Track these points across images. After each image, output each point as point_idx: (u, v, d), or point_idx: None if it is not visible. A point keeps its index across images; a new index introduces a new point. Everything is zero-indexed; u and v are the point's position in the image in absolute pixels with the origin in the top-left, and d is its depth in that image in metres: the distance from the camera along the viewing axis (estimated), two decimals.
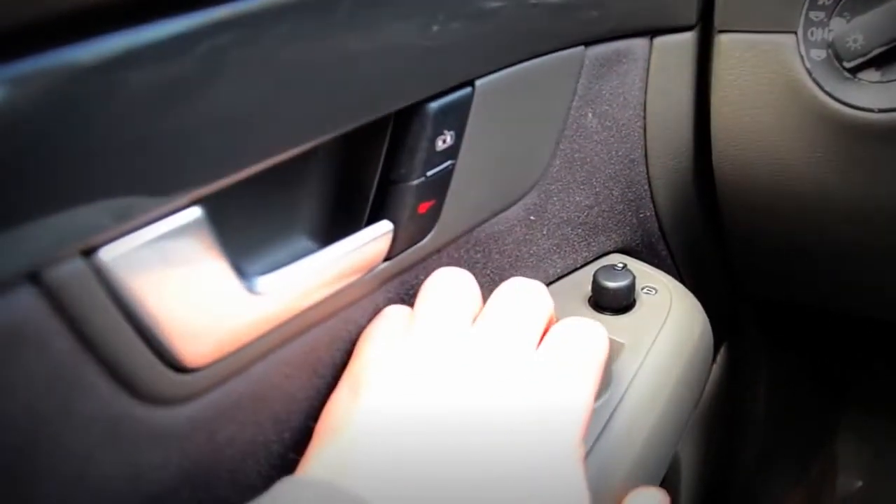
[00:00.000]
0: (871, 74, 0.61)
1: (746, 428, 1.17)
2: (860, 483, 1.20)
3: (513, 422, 0.42)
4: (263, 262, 0.43)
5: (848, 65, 0.61)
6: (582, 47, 0.58)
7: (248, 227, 0.42)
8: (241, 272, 0.38)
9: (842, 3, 0.61)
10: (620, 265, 0.62)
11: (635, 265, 0.67)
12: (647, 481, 0.56)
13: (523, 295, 0.49)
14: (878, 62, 0.61)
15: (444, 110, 0.46)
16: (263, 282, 0.39)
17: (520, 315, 0.48)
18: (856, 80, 0.61)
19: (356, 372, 0.46)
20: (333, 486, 0.37)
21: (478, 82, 0.48)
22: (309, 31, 0.37)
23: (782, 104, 0.65)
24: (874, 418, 1.24)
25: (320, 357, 0.46)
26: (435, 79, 0.45)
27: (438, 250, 0.52)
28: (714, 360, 0.98)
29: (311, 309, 0.43)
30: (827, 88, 0.62)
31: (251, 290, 0.38)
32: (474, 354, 0.45)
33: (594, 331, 0.48)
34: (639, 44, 0.65)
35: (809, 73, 0.62)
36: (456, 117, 0.48)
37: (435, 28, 0.43)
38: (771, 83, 0.64)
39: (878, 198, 0.67)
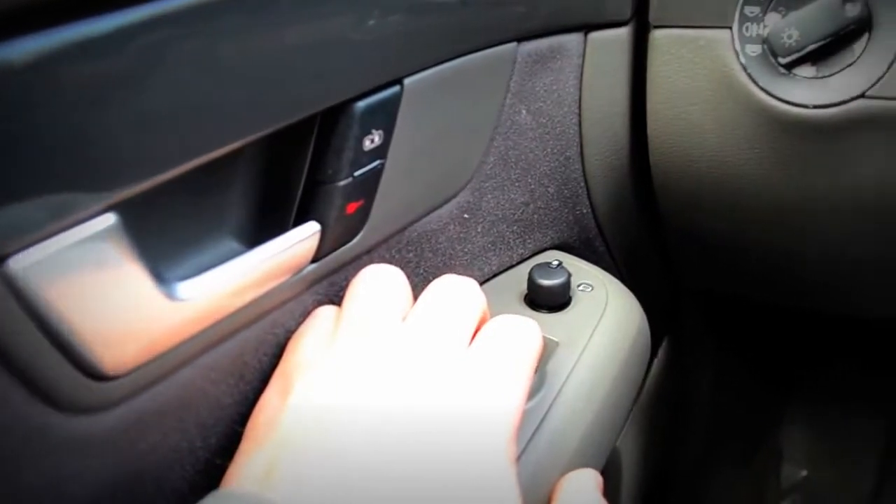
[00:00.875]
0: (806, 70, 0.61)
1: (690, 419, 1.17)
2: (804, 472, 1.22)
3: (442, 422, 0.41)
4: (189, 265, 0.42)
5: (783, 60, 0.61)
6: (514, 44, 0.57)
7: (173, 231, 0.41)
8: (162, 277, 0.37)
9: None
10: (556, 262, 0.61)
11: (572, 262, 0.67)
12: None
13: (455, 292, 0.48)
14: (813, 58, 0.61)
15: (371, 110, 0.45)
16: (185, 287, 0.38)
17: (451, 312, 0.47)
18: (791, 75, 0.62)
19: (285, 374, 0.45)
20: (261, 500, 0.36)
21: (406, 81, 0.48)
22: (231, 29, 0.36)
23: (718, 100, 0.65)
24: (819, 408, 1.25)
25: (247, 362, 0.46)
26: (362, 78, 0.45)
27: (368, 251, 0.52)
28: (655, 353, 0.98)
29: (236, 313, 0.42)
30: (762, 84, 0.62)
31: (171, 295, 0.37)
32: (403, 353, 0.44)
33: (527, 328, 0.48)
34: (573, 40, 0.64)
35: (744, 69, 0.62)
36: (384, 116, 0.47)
37: (361, 26, 0.43)
38: (706, 79, 0.65)
39: (814, 193, 0.67)
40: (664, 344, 1.01)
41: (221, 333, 0.43)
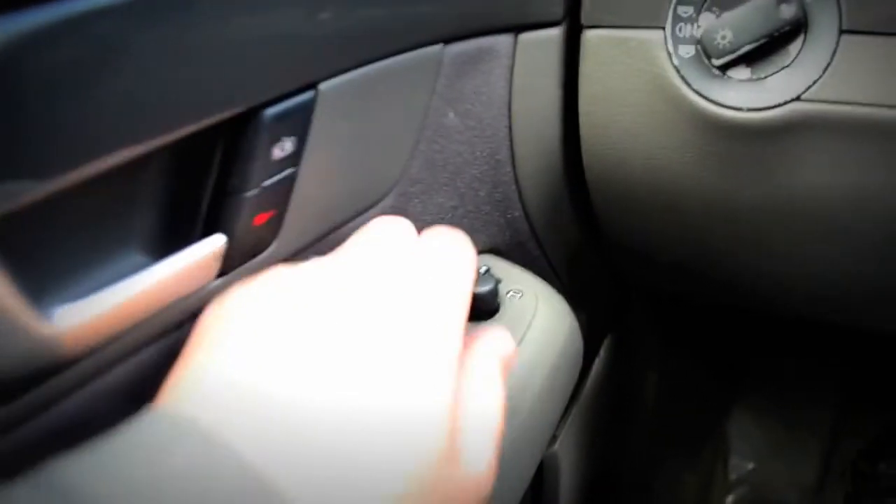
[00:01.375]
0: (740, 72, 0.60)
1: (637, 415, 1.18)
2: (751, 465, 1.24)
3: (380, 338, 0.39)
4: (88, 282, 0.39)
5: (717, 62, 0.60)
6: (440, 45, 0.55)
7: (67, 246, 0.39)
8: (47, 296, 0.35)
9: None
10: (484, 269, 0.60)
11: (503, 267, 0.66)
12: (513, 487, 0.55)
13: (387, 226, 0.46)
14: (747, 59, 0.60)
15: (281, 117, 0.43)
16: (65, 309, 0.36)
17: (381, 238, 0.45)
18: (725, 77, 0.60)
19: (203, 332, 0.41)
20: (200, 421, 0.34)
21: (321, 86, 0.46)
22: (129, 30, 0.34)
23: (651, 103, 0.64)
24: (765, 402, 1.27)
25: (147, 383, 0.42)
26: (270, 83, 0.42)
27: (285, 260, 0.49)
28: (597, 352, 0.98)
29: (133, 332, 0.40)
30: (695, 87, 0.61)
31: (48, 318, 0.35)
32: (337, 279, 0.42)
33: (457, 238, 0.47)
34: (502, 41, 0.62)
35: (677, 71, 0.61)
36: (296, 123, 0.45)
37: (269, 27, 0.41)
38: (639, 81, 0.63)
39: (749, 197, 0.66)
40: (607, 342, 1.00)
41: (116, 354, 0.41)
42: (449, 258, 0.45)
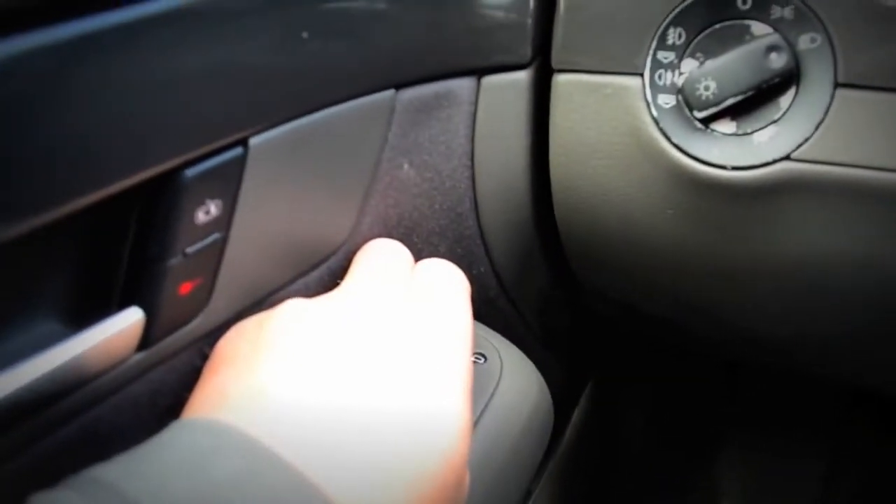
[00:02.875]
0: (725, 126, 0.56)
1: (621, 463, 1.18)
2: None
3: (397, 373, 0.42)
4: None
5: (699, 115, 0.56)
6: (392, 91, 0.51)
7: None
8: None
9: (694, 42, 0.56)
10: None
11: None
12: None
13: (384, 250, 0.51)
14: (733, 112, 0.56)
15: (204, 177, 0.39)
16: None
17: (385, 270, 0.49)
18: (708, 131, 0.57)
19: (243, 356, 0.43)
20: (232, 431, 0.36)
21: (252, 141, 0.41)
22: (30, 84, 0.30)
23: (627, 155, 0.59)
24: (755, 447, 1.27)
25: (62, 468, 0.38)
26: (190, 140, 0.38)
27: (218, 328, 0.45)
28: (577, 402, 0.97)
29: (42, 415, 0.37)
30: (675, 140, 0.57)
31: None
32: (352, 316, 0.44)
33: (450, 268, 0.51)
34: (463, 85, 0.58)
35: (656, 123, 0.57)
36: (223, 184, 0.40)
37: (187, 79, 0.36)
38: (615, 132, 0.59)
39: (734, 257, 0.62)
40: (588, 389, 0.99)
41: (36, 432, 0.38)
42: (450, 285, 0.49)
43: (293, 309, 0.44)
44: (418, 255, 0.57)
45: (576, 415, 0.95)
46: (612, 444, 1.15)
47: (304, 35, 0.43)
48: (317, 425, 0.38)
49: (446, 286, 0.49)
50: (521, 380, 0.59)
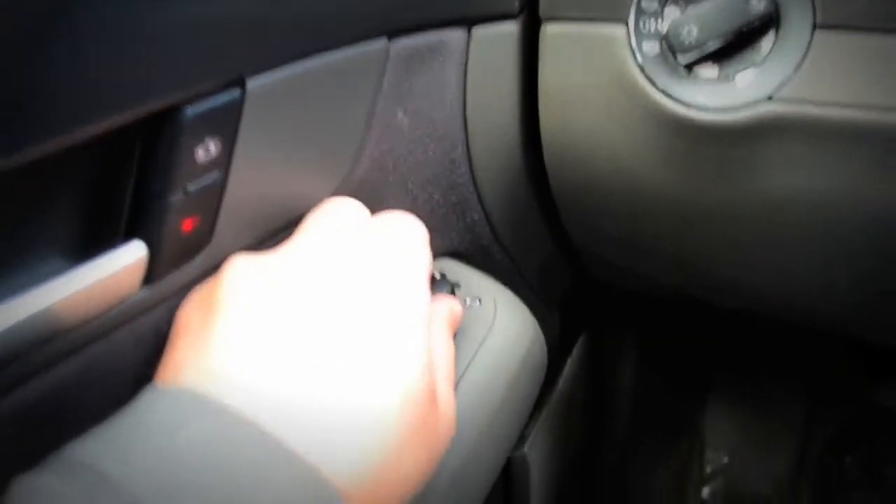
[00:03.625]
0: (708, 70, 0.58)
1: (611, 412, 1.20)
2: (726, 459, 1.28)
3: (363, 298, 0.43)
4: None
5: (682, 59, 0.57)
6: (384, 39, 0.52)
7: None
8: None
9: None
10: (439, 275, 0.58)
11: (461, 271, 0.64)
12: (475, 491, 0.56)
13: (337, 205, 0.50)
14: (715, 57, 0.57)
15: (203, 116, 0.40)
16: None
17: (336, 220, 0.49)
18: (691, 76, 0.58)
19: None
20: (206, 397, 0.37)
21: (249, 82, 0.42)
22: (33, 17, 0.31)
23: (614, 102, 0.61)
24: (739, 396, 1.30)
25: (68, 401, 0.41)
26: (190, 79, 0.39)
27: (216, 268, 0.46)
28: (570, 351, 0.98)
29: (46, 348, 0.38)
30: (660, 86, 0.58)
31: None
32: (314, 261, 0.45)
33: (405, 215, 0.50)
34: (454, 35, 0.59)
35: (641, 69, 0.58)
36: (222, 123, 0.41)
37: (188, 16, 0.37)
38: (601, 79, 0.60)
39: (718, 199, 0.63)
40: (581, 340, 1.00)
41: (42, 363, 0.38)
42: (405, 231, 0.49)
43: (240, 266, 0.44)
44: (413, 203, 0.58)
45: (568, 364, 0.96)
46: (605, 392, 1.17)
47: None
48: (274, 382, 0.38)
49: (401, 229, 0.49)
50: (515, 322, 0.61)
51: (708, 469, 1.28)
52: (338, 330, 0.41)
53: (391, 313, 0.43)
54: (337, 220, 0.48)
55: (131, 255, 0.39)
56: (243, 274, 0.43)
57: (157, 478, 0.33)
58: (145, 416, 0.36)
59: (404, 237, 0.48)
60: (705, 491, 1.27)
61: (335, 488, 0.36)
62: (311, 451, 0.36)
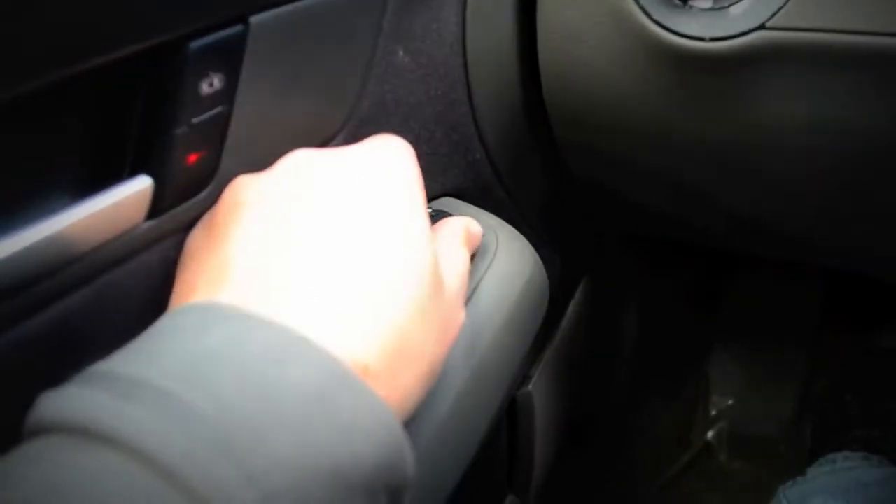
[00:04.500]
0: (702, 1, 0.58)
1: (616, 355, 1.21)
2: (730, 401, 1.30)
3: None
4: (9, 220, 0.37)
5: None
6: None
7: None
8: None
9: None
10: (433, 211, 0.59)
11: (459, 207, 0.65)
12: (479, 422, 0.57)
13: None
14: None
15: (207, 50, 0.41)
16: None
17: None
18: (686, 7, 0.58)
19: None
20: (222, 306, 0.38)
21: (252, 19, 0.43)
22: None
23: (610, 35, 0.61)
24: (743, 339, 1.32)
25: (78, 329, 0.42)
26: (193, 12, 0.40)
27: None
28: (572, 294, 0.98)
29: (56, 276, 0.39)
30: (656, 17, 0.59)
31: None
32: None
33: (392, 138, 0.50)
34: None
35: (636, 2, 0.59)
36: (225, 58, 0.42)
37: None
38: (597, 13, 0.61)
39: (717, 130, 0.64)
40: (584, 283, 1.00)
41: (46, 295, 0.39)
42: (390, 140, 0.49)
43: (239, 183, 0.45)
44: (416, 142, 0.59)
45: (571, 307, 0.96)
46: (609, 336, 1.17)
47: None
48: (284, 281, 0.40)
49: (387, 141, 0.49)
50: (516, 253, 0.61)
51: (713, 412, 1.30)
52: (339, 224, 0.42)
53: (390, 204, 0.44)
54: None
55: (136, 188, 0.40)
56: (243, 188, 0.45)
57: (185, 374, 0.34)
58: (165, 331, 0.37)
59: (390, 145, 0.49)
60: (711, 433, 1.29)
61: (349, 365, 0.38)
62: (324, 335, 0.38)
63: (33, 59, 0.33)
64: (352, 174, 0.45)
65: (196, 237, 0.45)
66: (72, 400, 0.33)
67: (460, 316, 0.48)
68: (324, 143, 0.53)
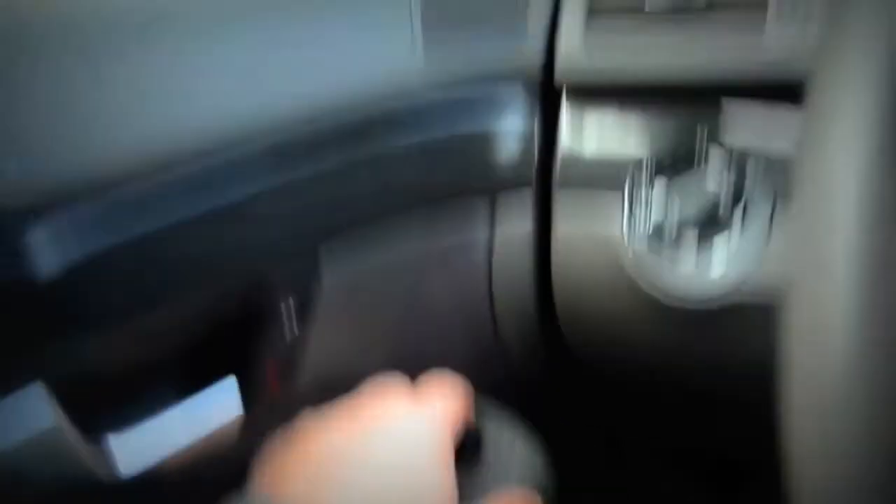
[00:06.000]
0: (687, 264, 0.65)
1: None
2: None
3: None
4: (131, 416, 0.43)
5: (667, 252, 0.65)
6: None
7: (116, 386, 0.43)
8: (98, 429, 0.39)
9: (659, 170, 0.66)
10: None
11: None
12: None
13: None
14: (695, 250, 0.65)
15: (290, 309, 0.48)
16: (115, 439, 0.40)
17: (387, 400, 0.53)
18: (674, 268, 0.65)
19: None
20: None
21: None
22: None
23: (614, 292, 0.69)
24: None
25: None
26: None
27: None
28: None
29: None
30: (648, 279, 0.66)
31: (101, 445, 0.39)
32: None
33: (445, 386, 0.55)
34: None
35: (633, 263, 0.67)
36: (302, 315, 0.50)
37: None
38: (600, 266, 0.69)
39: (713, 376, 0.70)
40: None
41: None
42: (438, 406, 0.53)
43: (309, 431, 0.50)
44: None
45: None
46: None
47: None
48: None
49: (438, 404, 0.53)
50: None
51: None
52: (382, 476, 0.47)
53: (424, 467, 0.49)
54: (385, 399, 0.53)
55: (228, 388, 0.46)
56: (311, 436, 0.49)
57: None
58: None
59: (427, 415, 0.52)
60: None
61: None
62: None
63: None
64: (395, 451, 0.49)
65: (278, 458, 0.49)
66: None
67: None
68: None
